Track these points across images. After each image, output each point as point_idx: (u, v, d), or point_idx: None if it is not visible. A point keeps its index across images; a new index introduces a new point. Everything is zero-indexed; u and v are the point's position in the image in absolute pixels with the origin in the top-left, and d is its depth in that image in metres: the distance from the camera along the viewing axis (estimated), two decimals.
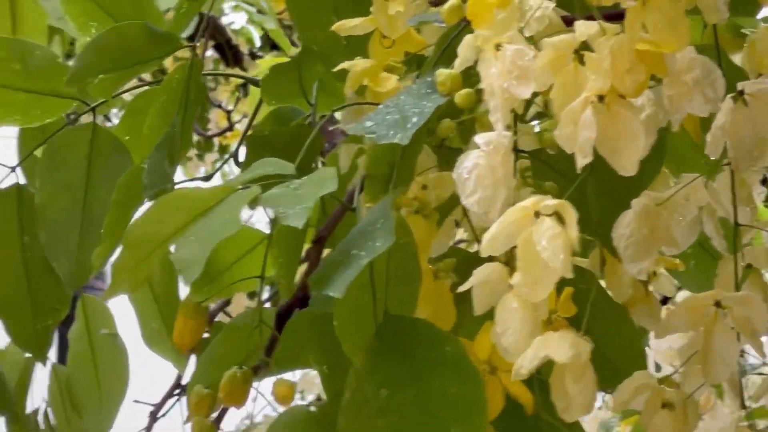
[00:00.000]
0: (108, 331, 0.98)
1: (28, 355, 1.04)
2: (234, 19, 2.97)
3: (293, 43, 2.93)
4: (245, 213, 0.57)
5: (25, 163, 0.95)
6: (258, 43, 3.13)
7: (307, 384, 3.08)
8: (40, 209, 0.88)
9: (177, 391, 1.42)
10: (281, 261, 0.69)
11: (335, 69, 0.67)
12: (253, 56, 3.21)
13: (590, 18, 0.53)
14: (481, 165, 0.51)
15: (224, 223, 0.55)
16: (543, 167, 0.60)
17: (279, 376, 0.67)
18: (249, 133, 0.91)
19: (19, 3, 1.24)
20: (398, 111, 0.55)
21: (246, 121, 2.65)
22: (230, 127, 3.28)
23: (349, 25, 0.65)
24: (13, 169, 0.93)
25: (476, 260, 0.54)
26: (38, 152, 0.93)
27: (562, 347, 0.49)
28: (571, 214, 0.49)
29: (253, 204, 0.55)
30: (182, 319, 0.69)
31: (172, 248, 0.59)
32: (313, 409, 0.72)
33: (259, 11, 2.92)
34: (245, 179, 0.58)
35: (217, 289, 0.81)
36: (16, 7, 1.24)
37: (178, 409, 1.41)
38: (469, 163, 0.51)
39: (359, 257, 0.52)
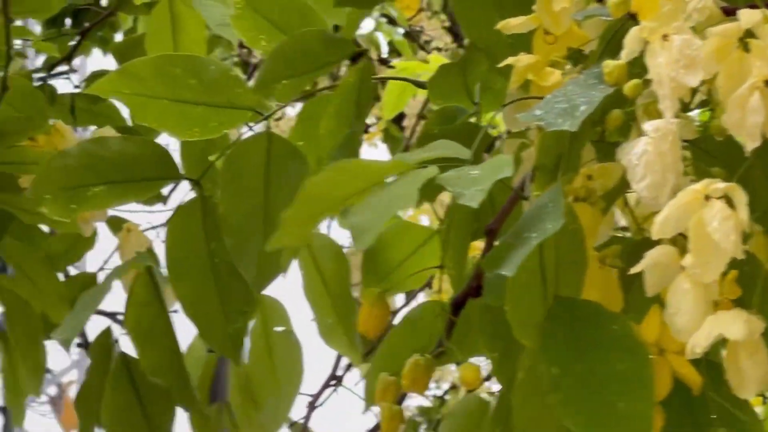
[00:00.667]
0: (284, 328, 1.03)
1: (209, 352, 1.10)
2: (362, 25, 3.04)
3: (421, 47, 2.99)
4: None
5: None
6: (385, 49, 3.20)
7: (443, 374, 3.16)
8: (224, 217, 0.93)
9: (332, 382, 1.48)
10: (451, 254, 0.73)
11: (500, 65, 0.69)
12: (382, 62, 3.29)
13: (753, 6, 0.55)
14: (649, 151, 0.54)
15: (401, 196, 0.58)
16: (703, 156, 0.62)
17: (467, 361, 0.70)
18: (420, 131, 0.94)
19: (179, 15, 1.31)
20: (566, 100, 0.57)
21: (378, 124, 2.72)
22: (365, 130, 3.36)
23: (513, 24, 0.68)
24: (197, 181, 0.98)
25: (637, 247, 0.56)
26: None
27: (737, 325, 0.51)
28: (741, 197, 0.51)
29: (430, 183, 0.57)
30: (367, 308, 0.73)
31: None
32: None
33: (388, 20, 2.99)
34: (422, 159, 0.60)
35: (390, 285, 0.85)
36: (177, 20, 1.31)
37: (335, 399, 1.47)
38: (638, 149, 0.54)
39: (530, 239, 0.55)
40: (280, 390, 1.05)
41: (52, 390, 7.57)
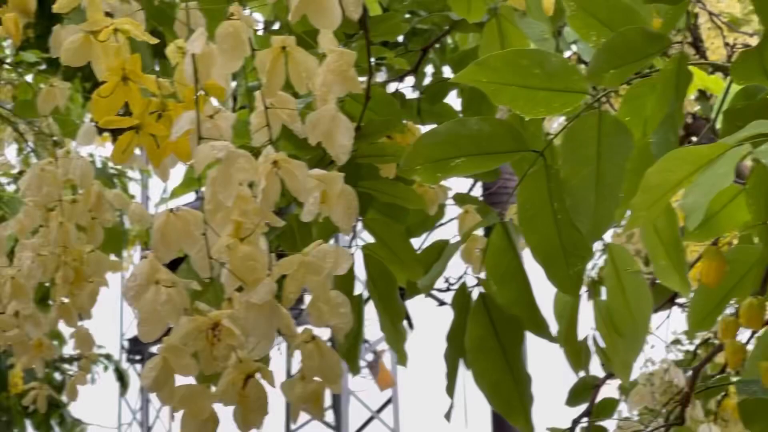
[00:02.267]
0: (633, 269, 1.24)
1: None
2: None
3: None
4: None
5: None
6: None
7: None
8: (565, 181, 1.15)
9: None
10: (754, 208, 0.92)
11: None
12: None
13: None
14: None
15: (721, 175, 0.75)
16: None
17: None
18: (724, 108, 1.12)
19: (506, 31, 1.58)
20: None
21: None
22: None
23: None
24: (541, 153, 1.21)
25: None
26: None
27: None
28: None
29: (745, 158, 0.74)
30: (707, 262, 0.92)
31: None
32: None
33: None
34: (739, 138, 0.76)
35: (706, 233, 1.05)
36: (504, 35, 1.59)
37: None
38: None
39: None
40: (635, 320, 1.24)
41: (369, 356, 8.33)
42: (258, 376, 0.96)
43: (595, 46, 1.16)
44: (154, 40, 1.02)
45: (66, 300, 1.45)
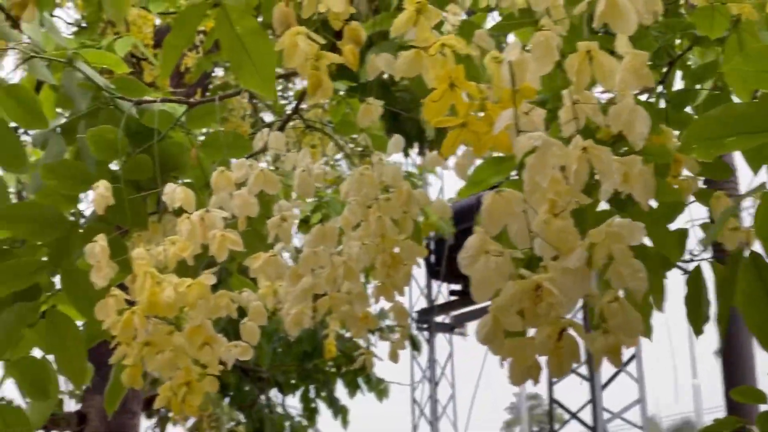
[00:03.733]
0: None
1: None
2: None
3: None
4: None
5: None
6: None
7: None
8: None
9: None
10: None
11: None
12: None
13: None
14: None
15: None
16: None
17: None
18: None
19: (747, 45, 1.72)
20: None
21: None
22: None
23: None
24: None
25: None
26: None
27: None
28: None
29: None
30: None
31: None
32: None
33: None
34: None
35: None
36: (743, 46, 1.72)
37: None
38: None
39: None
40: None
41: None
42: (569, 329, 1.14)
43: None
44: (475, 53, 1.22)
45: (383, 281, 1.69)
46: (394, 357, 1.84)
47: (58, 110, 1.89)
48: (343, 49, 1.36)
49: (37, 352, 1.86)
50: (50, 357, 1.88)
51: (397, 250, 1.69)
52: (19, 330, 1.66)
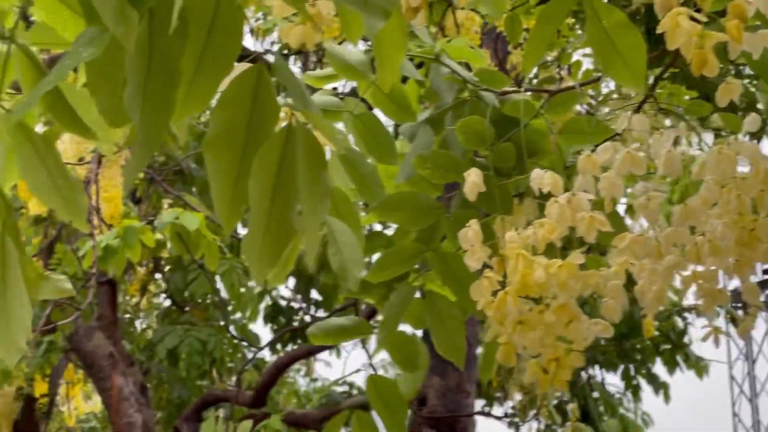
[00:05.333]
0: None
1: None
2: None
3: None
4: None
5: None
6: None
7: None
8: None
9: None
10: None
11: None
12: None
13: None
14: None
15: None
16: None
17: None
18: None
19: None
20: None
21: None
22: None
23: None
24: None
25: None
26: None
27: None
28: None
29: None
30: None
31: None
32: None
33: None
34: None
35: None
36: None
37: None
38: None
39: None
40: None
41: None
42: None
43: None
44: None
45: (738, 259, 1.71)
46: (743, 333, 1.85)
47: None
48: (726, 26, 1.39)
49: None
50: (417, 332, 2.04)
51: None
52: (405, 309, 1.81)
